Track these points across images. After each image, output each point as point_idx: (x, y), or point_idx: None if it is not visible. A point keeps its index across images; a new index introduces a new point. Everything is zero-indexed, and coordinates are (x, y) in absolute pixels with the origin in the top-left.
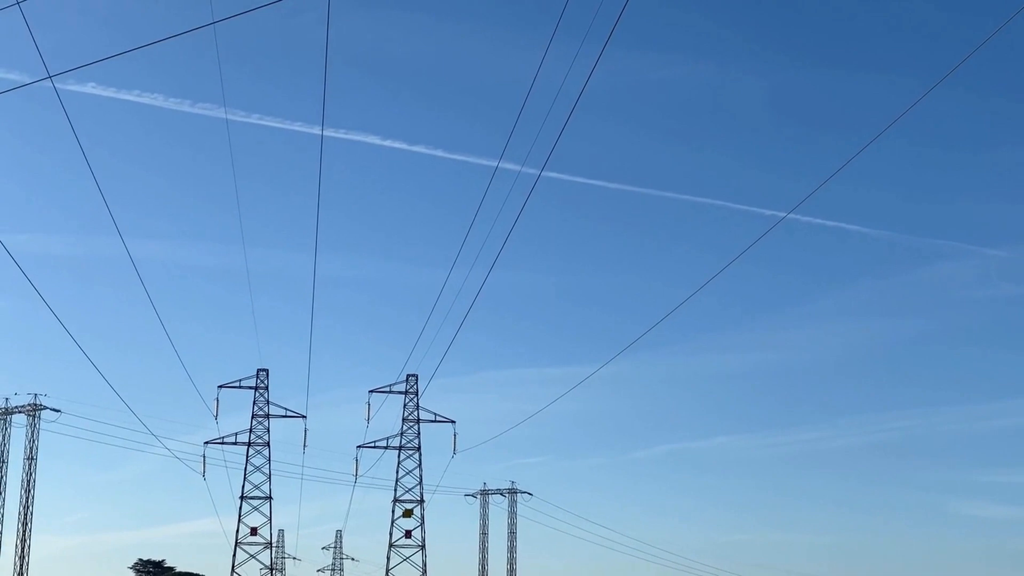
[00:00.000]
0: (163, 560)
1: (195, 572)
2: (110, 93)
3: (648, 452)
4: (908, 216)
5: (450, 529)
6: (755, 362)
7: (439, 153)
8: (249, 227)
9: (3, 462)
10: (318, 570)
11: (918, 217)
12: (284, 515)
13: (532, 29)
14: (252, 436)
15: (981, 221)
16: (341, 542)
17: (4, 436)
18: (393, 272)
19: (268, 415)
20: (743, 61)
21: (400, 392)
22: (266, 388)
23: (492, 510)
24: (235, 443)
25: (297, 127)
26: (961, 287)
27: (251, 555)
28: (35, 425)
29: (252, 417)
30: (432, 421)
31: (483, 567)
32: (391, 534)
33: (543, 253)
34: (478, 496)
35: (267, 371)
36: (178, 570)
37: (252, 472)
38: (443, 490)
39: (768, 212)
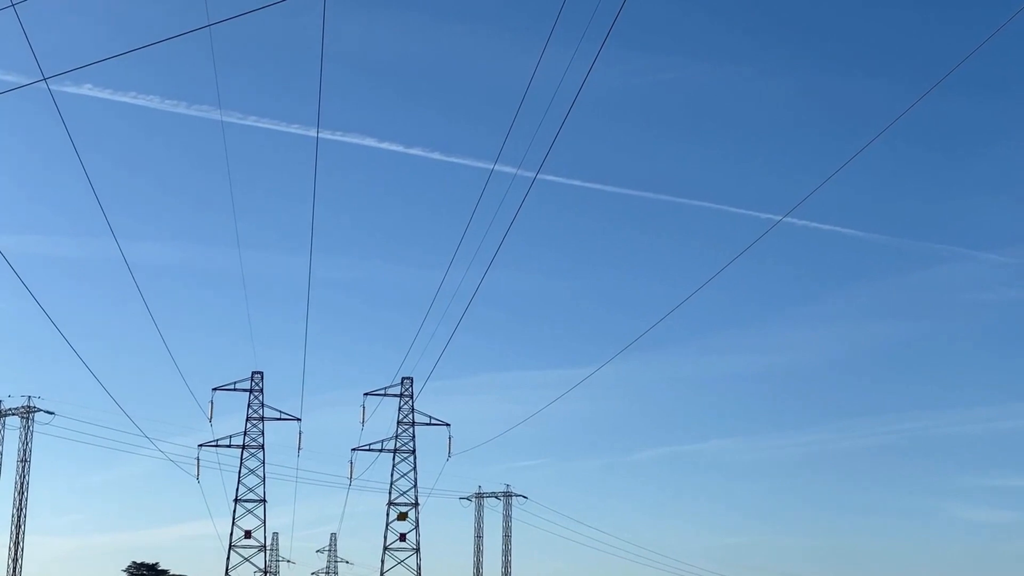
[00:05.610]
0: (157, 563)
1: (188, 575)
2: (106, 95)
3: (646, 454)
4: (904, 219)
5: (445, 532)
6: (753, 365)
7: (436, 155)
8: (244, 229)
9: None
10: (312, 573)
11: (914, 220)
12: (278, 518)
13: (530, 30)
14: (246, 439)
15: (978, 225)
16: (335, 545)
17: None
18: (389, 274)
19: (263, 417)
20: (739, 63)
21: (395, 395)
22: (261, 390)
23: (487, 513)
24: (229, 446)
25: (293, 129)
26: (958, 290)
27: (245, 558)
28: (29, 427)
29: (247, 420)
30: (427, 424)
31: (478, 571)
32: (386, 537)
33: (539, 255)
34: (473, 499)
35: (262, 373)
36: (172, 573)
37: (246, 475)
38: (438, 493)
39: (764, 215)
